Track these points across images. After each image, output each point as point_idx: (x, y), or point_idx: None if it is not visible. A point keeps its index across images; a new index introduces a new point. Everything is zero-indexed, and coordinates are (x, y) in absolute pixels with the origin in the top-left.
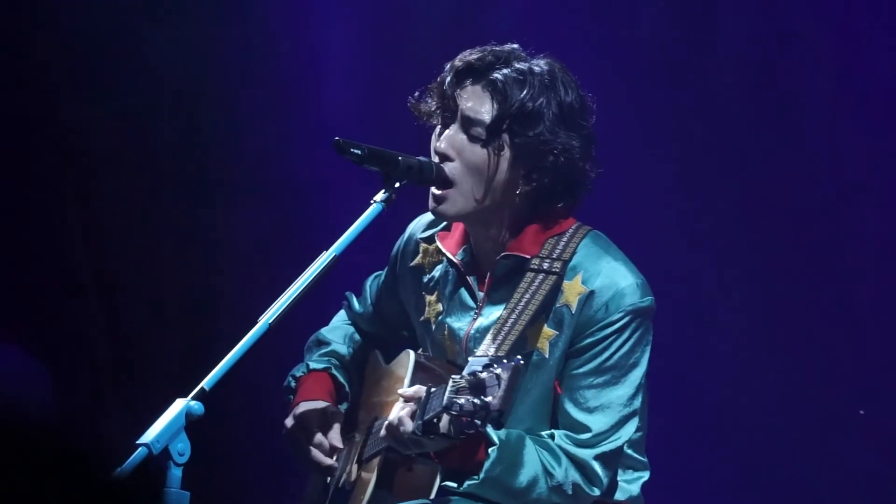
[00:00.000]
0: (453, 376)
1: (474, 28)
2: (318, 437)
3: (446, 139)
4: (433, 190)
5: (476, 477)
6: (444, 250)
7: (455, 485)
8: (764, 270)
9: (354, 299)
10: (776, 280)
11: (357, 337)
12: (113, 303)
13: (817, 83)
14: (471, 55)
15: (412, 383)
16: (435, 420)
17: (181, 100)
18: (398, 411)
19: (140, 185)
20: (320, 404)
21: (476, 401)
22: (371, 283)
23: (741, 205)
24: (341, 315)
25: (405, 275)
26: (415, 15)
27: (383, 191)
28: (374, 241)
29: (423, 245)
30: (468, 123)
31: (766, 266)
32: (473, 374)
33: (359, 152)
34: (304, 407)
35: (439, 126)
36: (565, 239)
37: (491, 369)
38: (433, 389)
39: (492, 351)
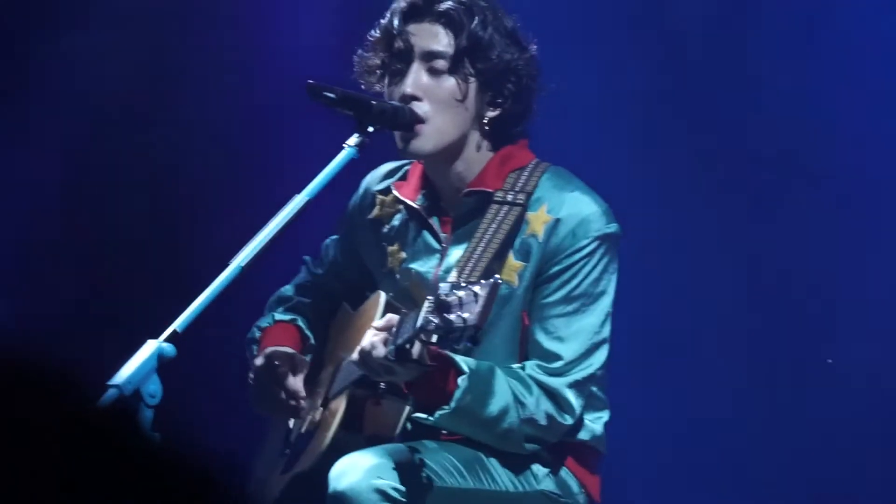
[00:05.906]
0: (427, 297)
1: None
2: (289, 379)
3: (411, 81)
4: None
5: (447, 407)
6: (401, 198)
7: (425, 416)
8: (719, 223)
9: (312, 262)
10: (739, 235)
11: (319, 295)
12: (83, 244)
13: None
14: None
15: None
16: (407, 346)
17: (148, 38)
18: (371, 337)
19: (115, 123)
20: (289, 350)
21: (451, 317)
22: (329, 245)
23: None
24: (302, 275)
25: (363, 229)
26: None
27: (356, 135)
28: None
29: (379, 197)
30: (429, 58)
31: (721, 219)
32: (447, 294)
33: (331, 96)
34: (273, 350)
35: (388, 78)
36: (527, 173)
37: (468, 288)
38: (406, 315)
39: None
